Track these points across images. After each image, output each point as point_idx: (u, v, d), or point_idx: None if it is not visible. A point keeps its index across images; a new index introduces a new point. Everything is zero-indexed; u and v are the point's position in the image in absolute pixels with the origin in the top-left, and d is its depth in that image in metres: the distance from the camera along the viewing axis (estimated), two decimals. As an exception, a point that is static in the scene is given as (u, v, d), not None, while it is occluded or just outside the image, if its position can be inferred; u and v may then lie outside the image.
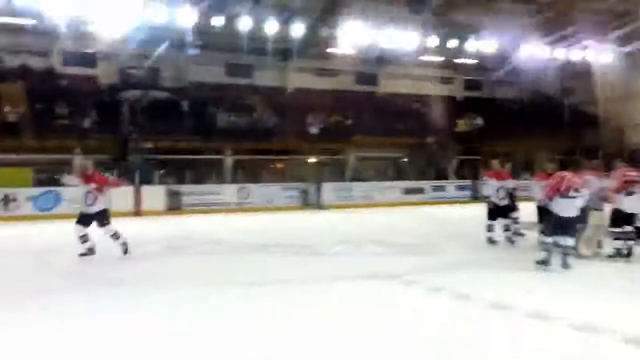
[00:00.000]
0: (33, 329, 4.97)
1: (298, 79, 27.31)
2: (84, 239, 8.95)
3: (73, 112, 20.79)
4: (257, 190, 21.30)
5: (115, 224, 16.15)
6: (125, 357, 4.33)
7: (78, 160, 11.09)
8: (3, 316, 5.25)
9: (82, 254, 8.87)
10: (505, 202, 10.37)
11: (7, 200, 17.92)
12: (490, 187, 10.53)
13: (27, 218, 17.32)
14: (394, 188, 23.31)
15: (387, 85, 28.69)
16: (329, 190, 22.25)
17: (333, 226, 15.04)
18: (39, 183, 19.98)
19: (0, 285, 6.88)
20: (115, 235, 9.16)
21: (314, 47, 24.41)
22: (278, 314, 5.30)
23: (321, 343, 4.56)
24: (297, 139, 23.99)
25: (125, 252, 9.07)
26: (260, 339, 4.70)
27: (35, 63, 23.03)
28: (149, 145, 21.64)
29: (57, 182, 20.35)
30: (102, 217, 9.05)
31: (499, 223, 10.46)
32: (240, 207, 20.70)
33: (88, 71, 24.11)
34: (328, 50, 24.82)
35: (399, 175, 25.19)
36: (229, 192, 20.99)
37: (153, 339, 4.64)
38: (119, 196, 18.46)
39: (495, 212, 10.41)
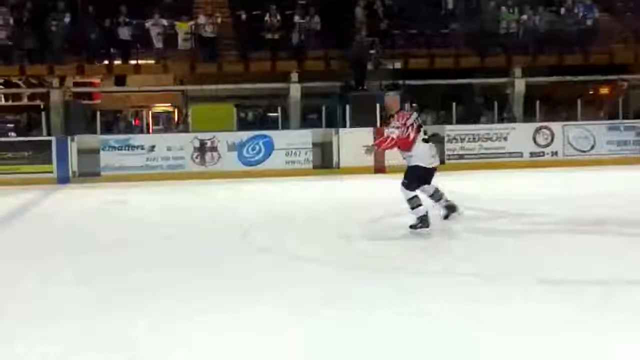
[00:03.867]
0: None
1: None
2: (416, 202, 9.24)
3: (287, 21, 21.55)
4: (564, 132, 20.65)
5: (343, 184, 16.76)
6: None
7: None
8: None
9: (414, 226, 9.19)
10: None
11: (203, 149, 19.33)
12: None
13: (229, 175, 18.53)
14: None
15: None
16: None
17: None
18: (244, 125, 21.35)
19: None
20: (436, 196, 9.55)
21: None
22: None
23: None
24: (631, 47, 22.98)
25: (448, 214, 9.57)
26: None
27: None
28: (397, 64, 21.81)
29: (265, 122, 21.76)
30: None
31: None
32: (538, 161, 19.89)
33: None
34: None
35: None
36: (518, 135, 20.42)
37: None
38: (352, 145, 19.34)
39: None
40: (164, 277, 7.20)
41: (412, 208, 9.09)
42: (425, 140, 9.21)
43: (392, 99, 9.51)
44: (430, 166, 9.19)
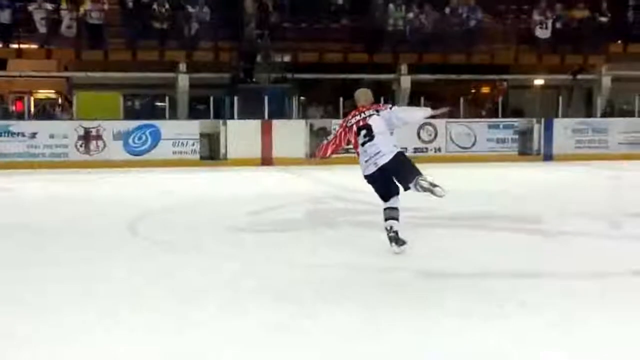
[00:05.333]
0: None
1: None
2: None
3: (176, 10, 21.45)
4: (447, 129, 21.09)
5: (230, 175, 16.81)
6: None
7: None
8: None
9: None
10: None
11: (88, 137, 19.05)
12: None
13: (115, 164, 18.39)
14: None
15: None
16: (564, 130, 21.55)
17: (569, 189, 14.72)
18: (130, 114, 21.15)
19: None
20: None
21: None
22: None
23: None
24: (512, 48, 23.62)
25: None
26: None
27: None
28: (286, 58, 21.96)
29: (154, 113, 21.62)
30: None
31: None
32: (421, 156, 20.26)
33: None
34: None
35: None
36: (403, 131, 20.18)
37: None
38: (239, 136, 19.44)
39: None
40: (45, 268, 7.15)
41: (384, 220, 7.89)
42: (363, 143, 7.74)
43: (357, 92, 8.33)
44: (368, 173, 7.78)
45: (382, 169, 7.65)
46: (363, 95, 8.20)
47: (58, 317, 5.41)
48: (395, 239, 7.72)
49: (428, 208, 11.08)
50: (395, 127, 7.90)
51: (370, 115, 7.80)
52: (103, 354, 4.69)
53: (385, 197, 7.88)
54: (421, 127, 20.73)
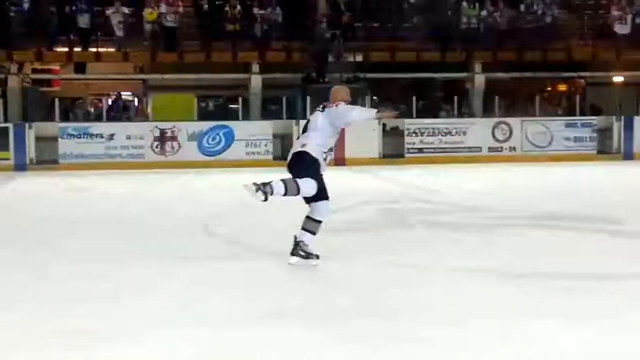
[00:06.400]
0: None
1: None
2: None
3: (248, 12, 21.68)
4: (523, 128, 20.78)
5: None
6: None
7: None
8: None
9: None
10: None
11: (163, 138, 19.40)
12: None
13: (189, 165, 18.67)
14: None
15: None
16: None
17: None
18: (204, 115, 21.46)
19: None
20: None
21: None
22: None
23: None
24: (589, 45, 23.28)
25: None
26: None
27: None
28: (358, 57, 22.02)
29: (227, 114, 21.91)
30: None
31: None
32: (496, 155, 20.17)
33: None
34: None
35: None
36: (477, 130, 20.55)
37: None
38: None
39: None
40: (127, 269, 7.22)
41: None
42: None
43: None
44: None
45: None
46: (333, 92, 7.44)
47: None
48: (299, 252, 7.06)
49: (502, 209, 11.07)
50: (339, 125, 7.28)
51: (315, 112, 7.33)
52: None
53: (305, 200, 7.18)
54: (496, 126, 20.54)
